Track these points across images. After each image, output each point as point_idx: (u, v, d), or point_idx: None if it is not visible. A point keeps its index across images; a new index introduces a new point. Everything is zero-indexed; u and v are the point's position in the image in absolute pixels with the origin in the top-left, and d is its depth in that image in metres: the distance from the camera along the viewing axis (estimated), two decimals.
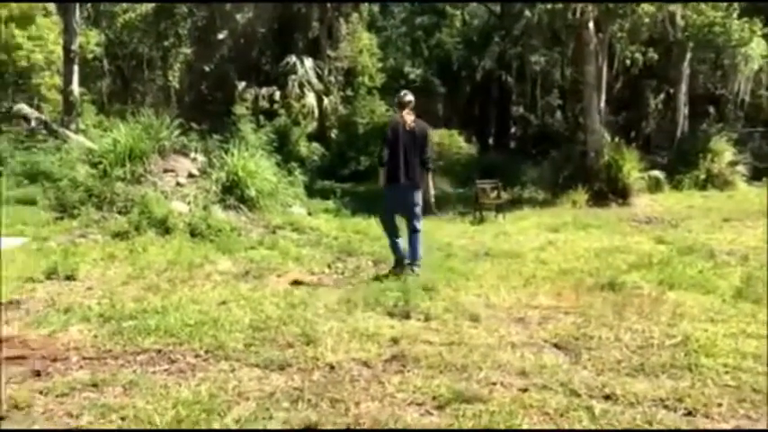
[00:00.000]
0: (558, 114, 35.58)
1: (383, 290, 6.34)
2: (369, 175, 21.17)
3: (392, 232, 7.42)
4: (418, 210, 7.34)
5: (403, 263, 7.31)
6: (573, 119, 27.33)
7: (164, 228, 9.61)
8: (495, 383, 4.03)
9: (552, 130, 34.14)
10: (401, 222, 7.56)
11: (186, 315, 5.52)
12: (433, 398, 3.79)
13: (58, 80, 18.33)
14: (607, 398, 3.82)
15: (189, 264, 7.80)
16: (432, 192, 7.51)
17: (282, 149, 14.36)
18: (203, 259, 8.14)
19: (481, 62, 31.61)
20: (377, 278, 7.19)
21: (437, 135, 24.45)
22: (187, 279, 7.17)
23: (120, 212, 10.07)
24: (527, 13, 26.01)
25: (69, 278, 7.12)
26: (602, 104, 18.73)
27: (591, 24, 17.25)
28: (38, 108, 14.06)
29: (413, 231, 7.33)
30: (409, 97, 7.51)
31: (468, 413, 3.56)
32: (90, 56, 21.12)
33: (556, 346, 4.89)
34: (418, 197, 7.31)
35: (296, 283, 7.18)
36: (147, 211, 9.81)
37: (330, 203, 14.35)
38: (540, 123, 34.46)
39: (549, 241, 9.92)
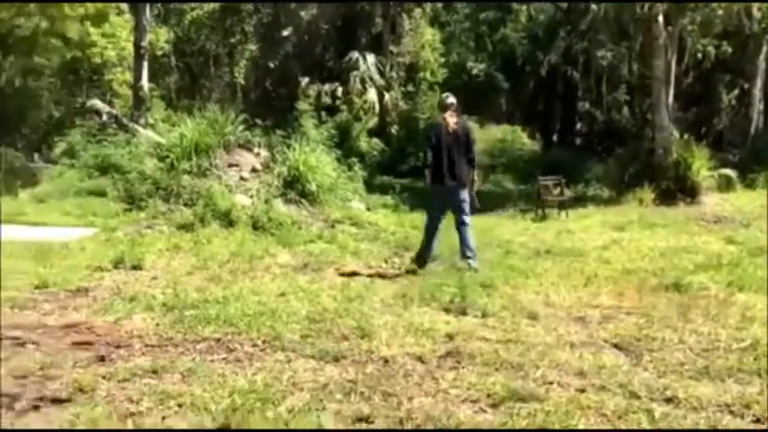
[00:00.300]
0: (626, 110, 34.63)
1: (439, 285, 6.30)
2: None
3: (432, 231, 7.63)
4: (466, 206, 7.55)
5: (426, 262, 7.56)
6: (640, 115, 26.58)
7: (227, 220, 9.85)
8: (551, 383, 3.94)
9: (619, 126, 33.21)
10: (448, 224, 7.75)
11: (246, 305, 5.61)
12: (488, 395, 3.73)
13: (129, 76, 18.93)
14: (668, 401, 3.68)
15: (250, 256, 7.94)
16: (475, 188, 7.76)
17: (343, 145, 14.47)
18: (264, 252, 8.28)
19: (546, 57, 31.03)
20: (433, 273, 7.14)
21: (500, 131, 24.23)
22: (248, 271, 7.29)
23: (185, 205, 10.36)
24: (594, 7, 25.41)
25: (135, 267, 7.34)
26: (671, 100, 18.13)
27: (660, 18, 16.72)
28: (110, 103, 14.53)
29: (461, 224, 7.47)
30: (451, 99, 7.79)
31: (523, 412, 3.49)
32: (159, 53, 21.77)
33: (616, 346, 4.75)
34: (464, 194, 7.53)
35: (353, 275, 7.22)
36: (212, 204, 10.06)
37: (389, 199, 14.37)
38: (607, 119, 33.59)
39: (613, 240, 9.68)
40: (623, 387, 3.85)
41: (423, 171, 20.35)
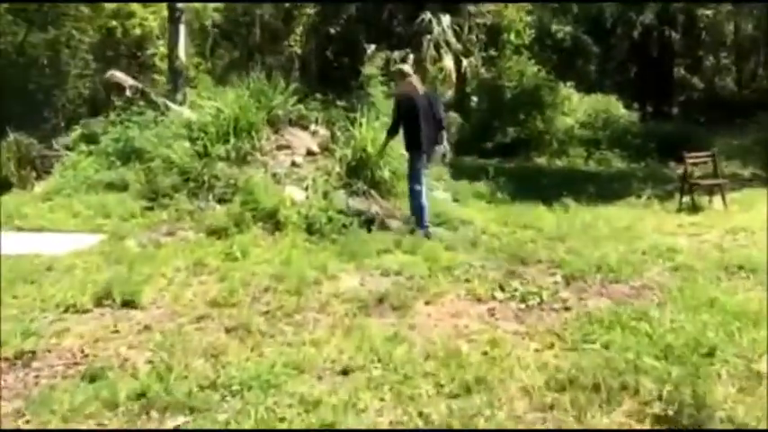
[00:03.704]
0: (729, 79, 31.16)
1: (631, 360, 3.52)
2: (517, 148, 18.13)
3: (420, 197, 7.42)
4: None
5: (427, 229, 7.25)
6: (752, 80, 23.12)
7: (273, 222, 7.33)
8: None
9: (723, 93, 29.76)
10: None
11: (280, 403, 3.04)
12: None
13: None
14: None
15: (299, 280, 5.34)
16: (447, 147, 7.83)
17: None
18: (320, 271, 5.67)
19: (639, 17, 27.57)
20: (600, 322, 4.32)
21: (594, 100, 20.95)
22: (293, 311, 4.71)
23: (220, 201, 7.90)
24: None
25: (127, 304, 4.88)
26: None
27: None
28: (134, 77, 12.14)
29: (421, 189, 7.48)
30: (408, 67, 8.36)
31: None
32: (207, 23, 19.47)
33: None
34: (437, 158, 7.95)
35: (456, 317, 4.54)
36: (253, 201, 7.54)
37: (481, 186, 11.44)
38: (707, 87, 30.25)
39: None
40: None
41: (513, 148, 17.86)
